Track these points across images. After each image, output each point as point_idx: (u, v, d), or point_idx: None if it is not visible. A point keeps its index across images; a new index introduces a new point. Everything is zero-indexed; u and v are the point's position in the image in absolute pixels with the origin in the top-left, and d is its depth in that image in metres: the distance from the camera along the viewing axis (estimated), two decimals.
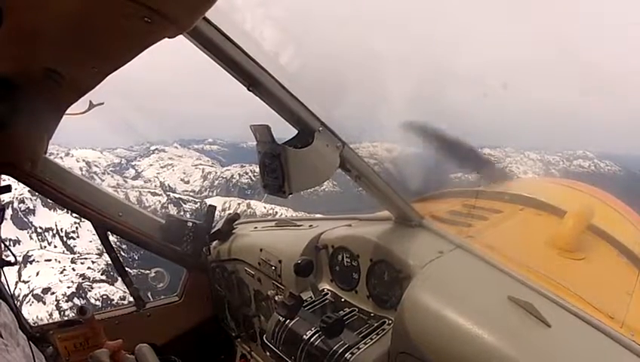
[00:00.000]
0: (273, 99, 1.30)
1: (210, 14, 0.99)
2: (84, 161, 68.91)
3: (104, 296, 31.83)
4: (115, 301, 30.74)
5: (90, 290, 31.97)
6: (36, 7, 0.81)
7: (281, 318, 1.78)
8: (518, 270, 1.54)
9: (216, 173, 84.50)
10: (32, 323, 2.20)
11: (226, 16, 1.09)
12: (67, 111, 1.55)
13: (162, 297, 2.69)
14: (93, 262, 35.29)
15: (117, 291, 31.98)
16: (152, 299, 2.61)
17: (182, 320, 2.66)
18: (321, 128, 1.42)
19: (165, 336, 2.53)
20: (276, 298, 2.10)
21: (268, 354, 1.84)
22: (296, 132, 1.45)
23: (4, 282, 1.96)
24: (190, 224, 2.55)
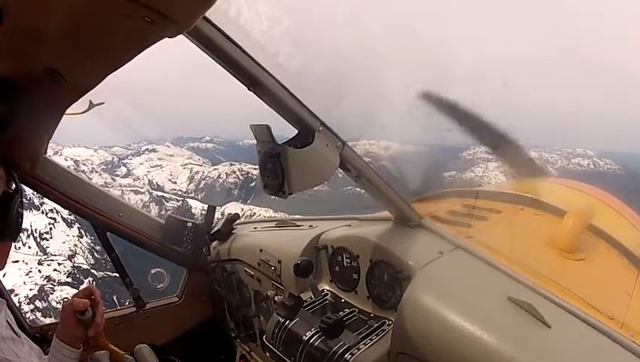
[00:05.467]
0: (273, 99, 1.30)
1: (210, 14, 0.99)
2: (72, 159, 68.09)
3: (65, 299, 30.50)
4: None
5: (52, 293, 31.17)
6: (36, 8, 0.81)
7: (280, 319, 1.77)
8: (518, 270, 1.54)
9: (203, 172, 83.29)
10: (31, 324, 2.21)
11: (226, 16, 1.09)
12: (67, 111, 1.55)
13: (162, 298, 2.69)
14: (59, 264, 34.51)
15: None
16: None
17: (181, 320, 2.66)
18: (321, 128, 1.42)
19: (165, 337, 2.52)
20: (276, 298, 2.10)
21: (268, 354, 1.84)
22: (296, 132, 1.45)
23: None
24: (190, 224, 2.54)
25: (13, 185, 1.32)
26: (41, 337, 2.07)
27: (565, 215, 1.96)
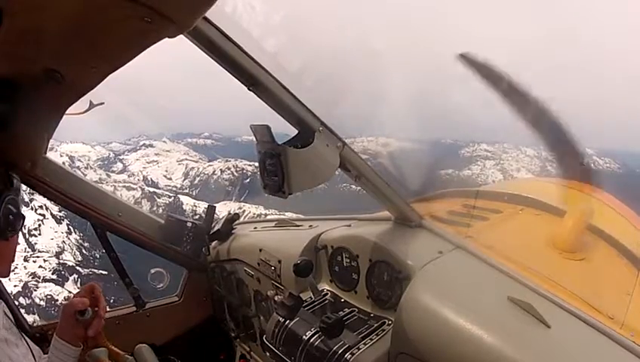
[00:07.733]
0: (273, 99, 1.30)
1: (210, 14, 0.99)
2: (67, 155, 67.21)
3: (48, 296, 30.09)
4: (60, 301, 29.09)
5: (35, 289, 30.48)
6: (36, 8, 0.81)
7: (280, 318, 1.77)
8: (518, 270, 1.54)
9: (198, 168, 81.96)
10: (31, 324, 2.21)
11: (226, 16, 1.09)
12: (67, 111, 1.55)
13: (162, 297, 2.69)
14: (45, 261, 33.84)
15: (62, 291, 30.48)
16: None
17: (181, 320, 2.66)
18: (321, 128, 1.42)
19: (165, 336, 2.52)
20: (276, 298, 2.09)
21: (267, 354, 1.84)
22: (297, 132, 1.45)
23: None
24: (190, 224, 2.55)
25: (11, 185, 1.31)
26: (41, 337, 2.07)
27: (565, 215, 1.96)
